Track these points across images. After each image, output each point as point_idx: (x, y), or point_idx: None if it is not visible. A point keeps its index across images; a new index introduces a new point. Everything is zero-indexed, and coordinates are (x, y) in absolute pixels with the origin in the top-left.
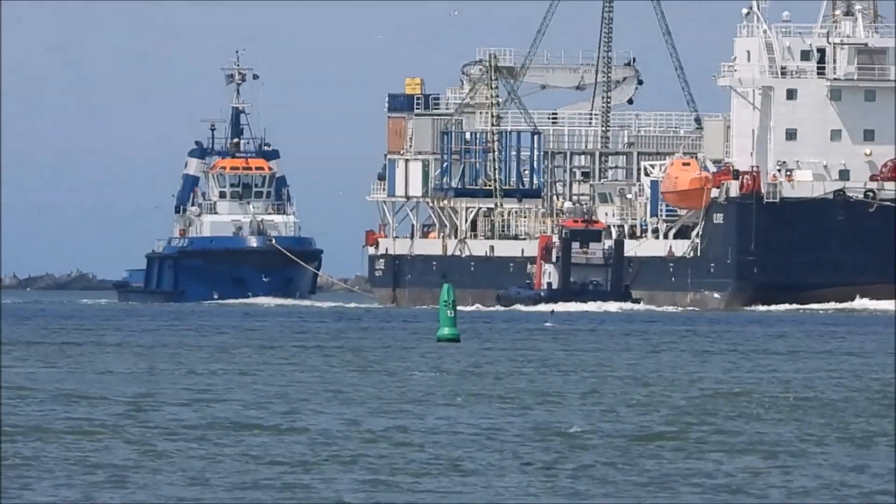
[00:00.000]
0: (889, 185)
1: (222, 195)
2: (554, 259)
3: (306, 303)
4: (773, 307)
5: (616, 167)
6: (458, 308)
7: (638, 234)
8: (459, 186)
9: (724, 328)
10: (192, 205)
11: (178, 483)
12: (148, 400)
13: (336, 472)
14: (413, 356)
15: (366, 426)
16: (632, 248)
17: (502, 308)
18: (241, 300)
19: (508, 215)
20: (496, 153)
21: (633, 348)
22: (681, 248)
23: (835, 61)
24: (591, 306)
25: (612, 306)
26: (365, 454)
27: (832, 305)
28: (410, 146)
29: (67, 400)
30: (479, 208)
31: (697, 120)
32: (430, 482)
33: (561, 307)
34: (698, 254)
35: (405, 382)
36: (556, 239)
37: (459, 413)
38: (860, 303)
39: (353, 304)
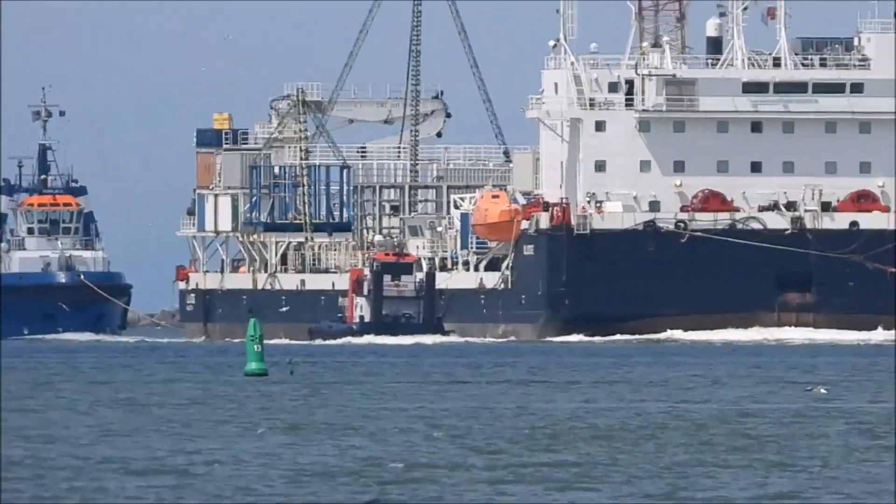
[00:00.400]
0: (700, 215)
1: (30, 231)
2: (366, 292)
3: (115, 338)
4: (586, 338)
5: (426, 200)
6: (271, 342)
7: (449, 266)
8: (269, 221)
9: (532, 359)
10: (1, 241)
11: None
12: None
13: None
14: (219, 390)
15: (167, 461)
16: (443, 281)
17: (314, 342)
18: (51, 336)
19: (319, 249)
20: (305, 187)
21: (440, 381)
22: (492, 280)
23: (643, 93)
24: (405, 339)
25: (426, 339)
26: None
27: (643, 336)
28: (219, 181)
29: None
30: (290, 242)
31: (506, 153)
32: None
33: (375, 340)
34: (509, 285)
35: (208, 416)
36: (367, 272)
37: (262, 445)
38: (670, 334)
39: (165, 340)
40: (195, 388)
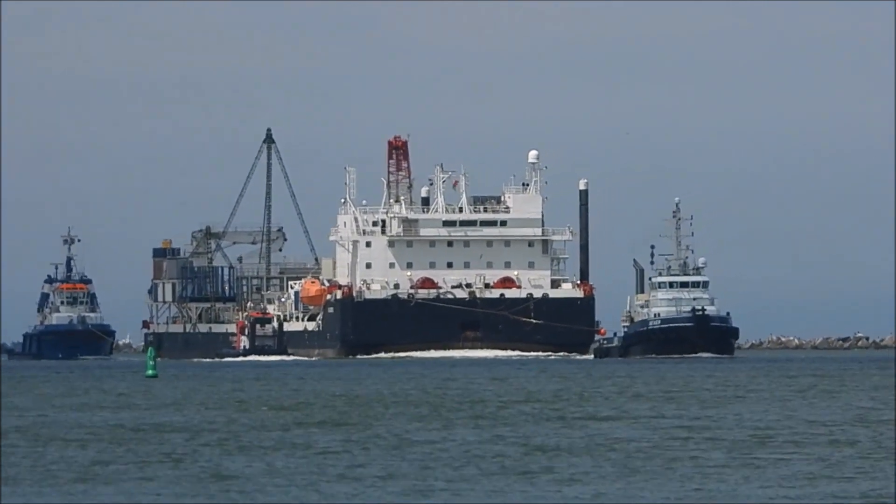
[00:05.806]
0: (421, 291)
1: (62, 302)
2: (247, 333)
3: (106, 358)
4: (360, 357)
5: (275, 285)
6: (194, 361)
7: (290, 319)
8: (192, 296)
9: (330, 369)
10: (46, 308)
11: None
12: None
13: None
14: (142, 382)
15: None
16: (288, 326)
17: (218, 360)
18: (73, 359)
19: (219, 311)
20: (211, 278)
21: (280, 377)
22: (311, 326)
23: (391, 226)
24: (268, 358)
25: (278, 358)
26: None
27: (388, 355)
28: (166, 275)
29: None
30: (203, 307)
31: (317, 259)
32: None
33: (251, 358)
34: (321, 328)
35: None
36: (247, 323)
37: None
38: (401, 354)
39: (134, 359)
40: (130, 378)
